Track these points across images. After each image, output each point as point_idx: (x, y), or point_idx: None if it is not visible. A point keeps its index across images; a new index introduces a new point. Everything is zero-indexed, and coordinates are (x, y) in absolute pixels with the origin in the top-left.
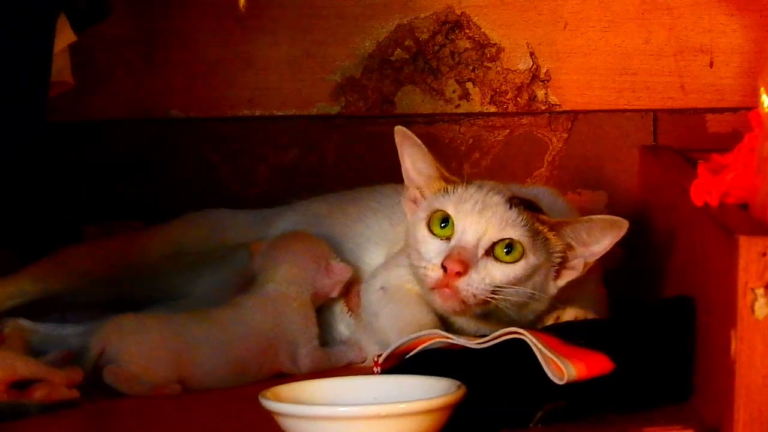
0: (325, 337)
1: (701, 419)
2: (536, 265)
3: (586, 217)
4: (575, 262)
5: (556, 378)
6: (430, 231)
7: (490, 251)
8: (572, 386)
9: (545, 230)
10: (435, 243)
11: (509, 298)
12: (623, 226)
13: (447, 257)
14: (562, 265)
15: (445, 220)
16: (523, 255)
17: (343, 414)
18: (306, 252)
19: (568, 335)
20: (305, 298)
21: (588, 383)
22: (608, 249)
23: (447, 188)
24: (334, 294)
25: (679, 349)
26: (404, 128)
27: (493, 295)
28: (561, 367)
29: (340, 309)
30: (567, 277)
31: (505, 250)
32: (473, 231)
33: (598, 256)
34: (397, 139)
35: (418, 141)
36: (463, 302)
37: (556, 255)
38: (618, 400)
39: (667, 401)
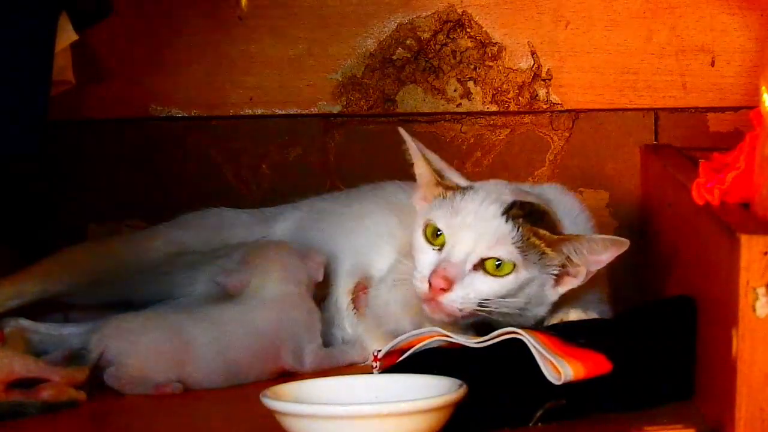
0: (329, 334)
1: (703, 418)
2: (528, 279)
3: (587, 236)
4: (577, 270)
5: (553, 378)
6: (426, 239)
7: (479, 265)
8: (572, 385)
9: (542, 245)
10: (428, 253)
11: (498, 309)
12: (624, 244)
13: (433, 273)
14: (564, 272)
15: (439, 229)
16: (513, 270)
17: (344, 413)
18: (281, 251)
19: (568, 335)
20: (304, 293)
21: (588, 382)
22: (609, 261)
23: (445, 195)
24: (320, 277)
25: (681, 348)
26: (403, 130)
27: (480, 308)
28: (558, 367)
29: (346, 305)
30: (569, 284)
31: (496, 264)
32: (462, 247)
33: (601, 266)
34: (404, 138)
35: (416, 145)
36: (449, 315)
37: (553, 267)
38: (618, 399)
39: (668, 400)
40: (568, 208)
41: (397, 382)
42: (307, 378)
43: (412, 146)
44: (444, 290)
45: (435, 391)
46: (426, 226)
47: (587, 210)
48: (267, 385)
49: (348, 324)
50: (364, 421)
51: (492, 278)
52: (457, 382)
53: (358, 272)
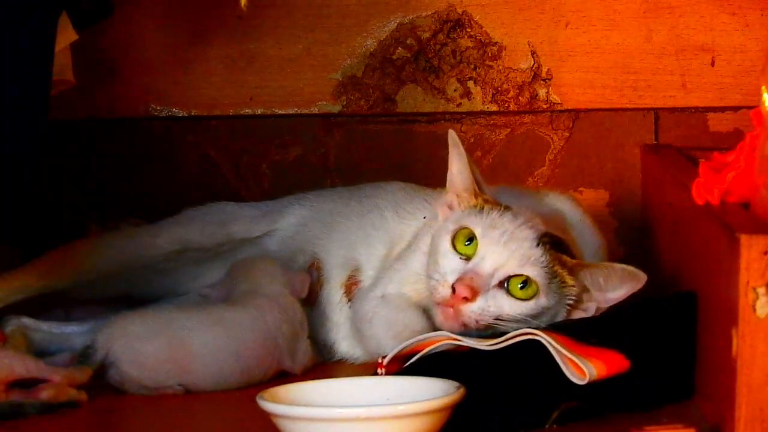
0: (321, 329)
1: (703, 417)
2: (546, 307)
3: (606, 263)
4: (589, 305)
5: (576, 378)
6: (453, 246)
7: (503, 283)
8: (586, 386)
9: (564, 273)
10: (453, 260)
11: (509, 329)
12: (641, 279)
13: (458, 280)
14: (575, 306)
15: (471, 239)
16: (536, 294)
17: (339, 415)
18: (266, 262)
19: (579, 334)
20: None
21: (602, 382)
22: (623, 299)
23: (483, 207)
24: (304, 294)
25: (684, 346)
26: (453, 133)
27: (496, 322)
28: (581, 366)
29: (339, 299)
30: (577, 317)
31: (519, 286)
32: (493, 260)
33: (612, 303)
34: (449, 142)
35: (463, 151)
36: (464, 325)
37: (569, 297)
38: (631, 399)
39: (672, 399)
40: (578, 229)
41: (394, 384)
42: (304, 380)
43: (460, 151)
44: (467, 299)
45: (432, 393)
46: (459, 230)
47: (597, 228)
48: (266, 385)
49: (340, 317)
50: (358, 424)
51: (513, 299)
52: (455, 384)
53: (350, 265)
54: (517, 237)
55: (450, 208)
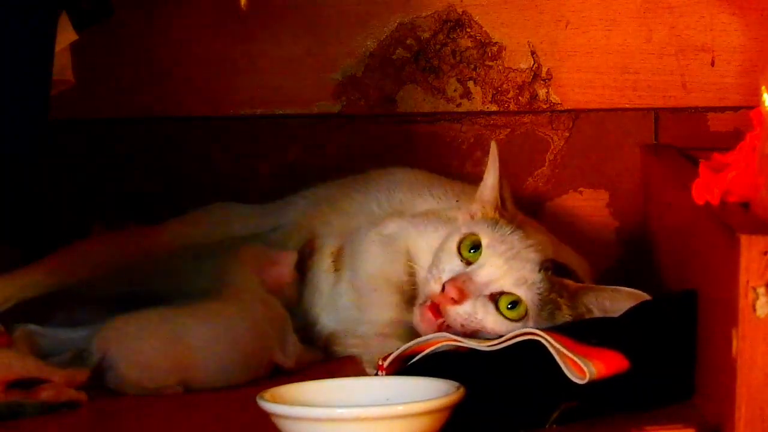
0: (309, 299)
1: (703, 417)
2: None
3: (611, 287)
4: None
5: (576, 378)
6: (458, 249)
7: (495, 297)
8: (586, 386)
9: (562, 301)
10: (454, 261)
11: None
12: (644, 299)
13: (450, 280)
14: None
15: (477, 247)
16: (523, 318)
17: (339, 415)
18: (250, 252)
19: (579, 334)
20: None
21: (601, 382)
22: None
23: (498, 221)
24: (288, 279)
25: (684, 346)
26: (495, 145)
27: (482, 329)
28: (581, 366)
29: (327, 266)
30: None
31: (508, 306)
32: (490, 271)
33: None
34: (490, 156)
35: (498, 166)
36: (447, 327)
37: (563, 322)
38: (631, 399)
39: (672, 399)
40: None
41: (394, 384)
42: (304, 380)
43: (495, 166)
44: (454, 301)
45: (432, 393)
46: (468, 235)
47: None
48: (265, 385)
49: (325, 286)
50: (357, 424)
51: (499, 316)
52: (455, 384)
53: (345, 234)
54: (521, 257)
55: (472, 217)
